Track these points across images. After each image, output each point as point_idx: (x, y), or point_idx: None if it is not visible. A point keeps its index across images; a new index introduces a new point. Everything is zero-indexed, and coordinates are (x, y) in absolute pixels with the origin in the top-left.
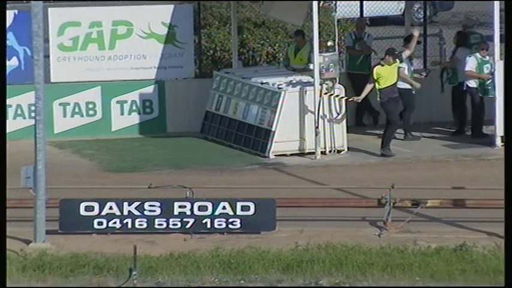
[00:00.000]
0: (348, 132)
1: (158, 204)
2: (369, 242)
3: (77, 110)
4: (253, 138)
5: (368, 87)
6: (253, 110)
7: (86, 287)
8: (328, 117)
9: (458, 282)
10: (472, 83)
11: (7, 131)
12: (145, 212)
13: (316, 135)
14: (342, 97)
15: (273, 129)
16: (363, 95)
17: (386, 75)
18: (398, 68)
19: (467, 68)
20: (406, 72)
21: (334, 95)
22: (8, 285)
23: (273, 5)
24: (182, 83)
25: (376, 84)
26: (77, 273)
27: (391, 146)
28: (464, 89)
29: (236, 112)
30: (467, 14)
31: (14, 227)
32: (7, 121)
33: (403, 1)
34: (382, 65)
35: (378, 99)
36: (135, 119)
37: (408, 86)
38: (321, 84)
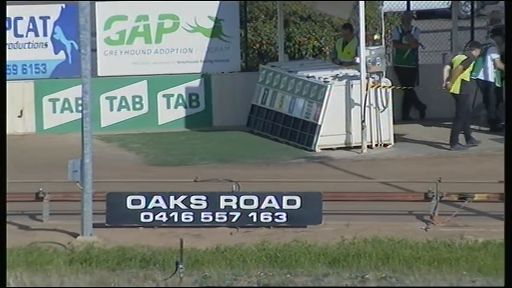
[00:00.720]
0: (394, 125)
1: (204, 198)
2: (415, 236)
3: (123, 103)
4: (299, 132)
5: (446, 72)
6: (300, 104)
7: (132, 287)
8: (374, 110)
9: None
10: None
11: (55, 124)
12: (192, 206)
13: (362, 128)
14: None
15: (319, 122)
16: (446, 76)
17: (472, 68)
18: (493, 59)
19: None
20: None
21: (385, 87)
22: (55, 279)
23: None
24: (228, 76)
25: (462, 77)
26: (123, 266)
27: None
28: None
29: (282, 106)
30: None
31: (61, 220)
32: (54, 115)
33: None
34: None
35: (457, 91)
36: (181, 112)
37: (491, 79)
38: (367, 78)
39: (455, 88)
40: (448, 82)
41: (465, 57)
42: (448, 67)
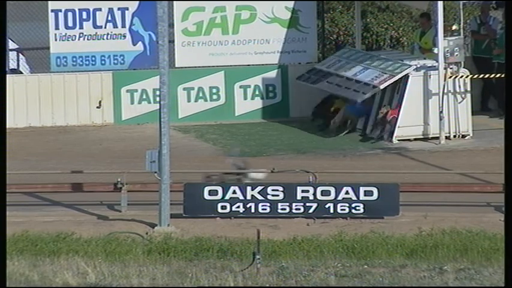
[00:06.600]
0: (472, 116)
1: (281, 188)
2: (494, 227)
3: (200, 94)
4: None
5: None
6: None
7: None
8: (452, 101)
9: None
10: None
11: (132, 115)
12: (269, 197)
13: (440, 119)
14: None
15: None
16: None
17: None
18: None
19: None
20: None
21: (463, 76)
22: (133, 269)
23: None
24: (305, 67)
25: None
26: (201, 256)
27: None
28: None
29: None
30: None
31: (139, 211)
32: (132, 106)
33: None
34: None
35: None
36: (258, 103)
37: None
38: (445, 69)
39: None
40: None
41: None
42: None
